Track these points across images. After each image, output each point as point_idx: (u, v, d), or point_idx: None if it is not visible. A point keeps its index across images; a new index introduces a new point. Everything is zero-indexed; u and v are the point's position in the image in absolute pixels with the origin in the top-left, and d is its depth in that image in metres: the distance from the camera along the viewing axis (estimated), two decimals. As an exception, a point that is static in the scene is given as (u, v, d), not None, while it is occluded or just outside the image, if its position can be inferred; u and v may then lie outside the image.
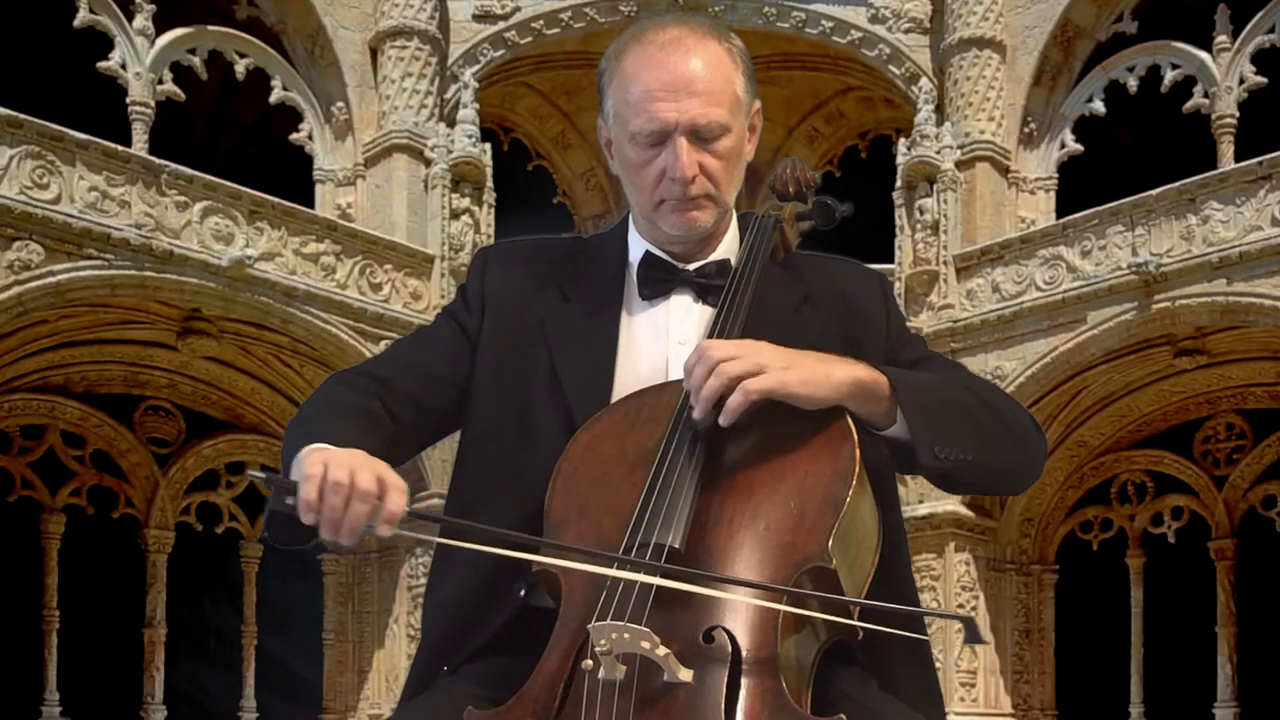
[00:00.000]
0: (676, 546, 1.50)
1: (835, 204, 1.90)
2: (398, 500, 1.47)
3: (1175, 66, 11.77)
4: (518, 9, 12.76)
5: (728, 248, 1.82)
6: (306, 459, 1.49)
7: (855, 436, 1.57)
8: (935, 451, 1.60)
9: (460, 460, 1.80)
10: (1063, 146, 12.46)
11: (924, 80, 12.60)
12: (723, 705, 1.42)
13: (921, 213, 12.02)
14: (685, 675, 1.42)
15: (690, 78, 1.67)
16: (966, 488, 1.69)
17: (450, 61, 12.52)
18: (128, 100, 10.71)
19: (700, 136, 1.68)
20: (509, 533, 1.56)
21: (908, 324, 1.96)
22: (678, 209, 1.72)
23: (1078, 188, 12.17)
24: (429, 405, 1.77)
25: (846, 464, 1.55)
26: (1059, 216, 12.03)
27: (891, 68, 12.94)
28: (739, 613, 1.48)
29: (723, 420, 1.57)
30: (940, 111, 12.41)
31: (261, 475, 1.50)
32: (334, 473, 1.45)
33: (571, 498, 1.61)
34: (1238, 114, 11.28)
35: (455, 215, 11.74)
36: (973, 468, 1.64)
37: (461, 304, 1.86)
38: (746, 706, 1.43)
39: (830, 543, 1.50)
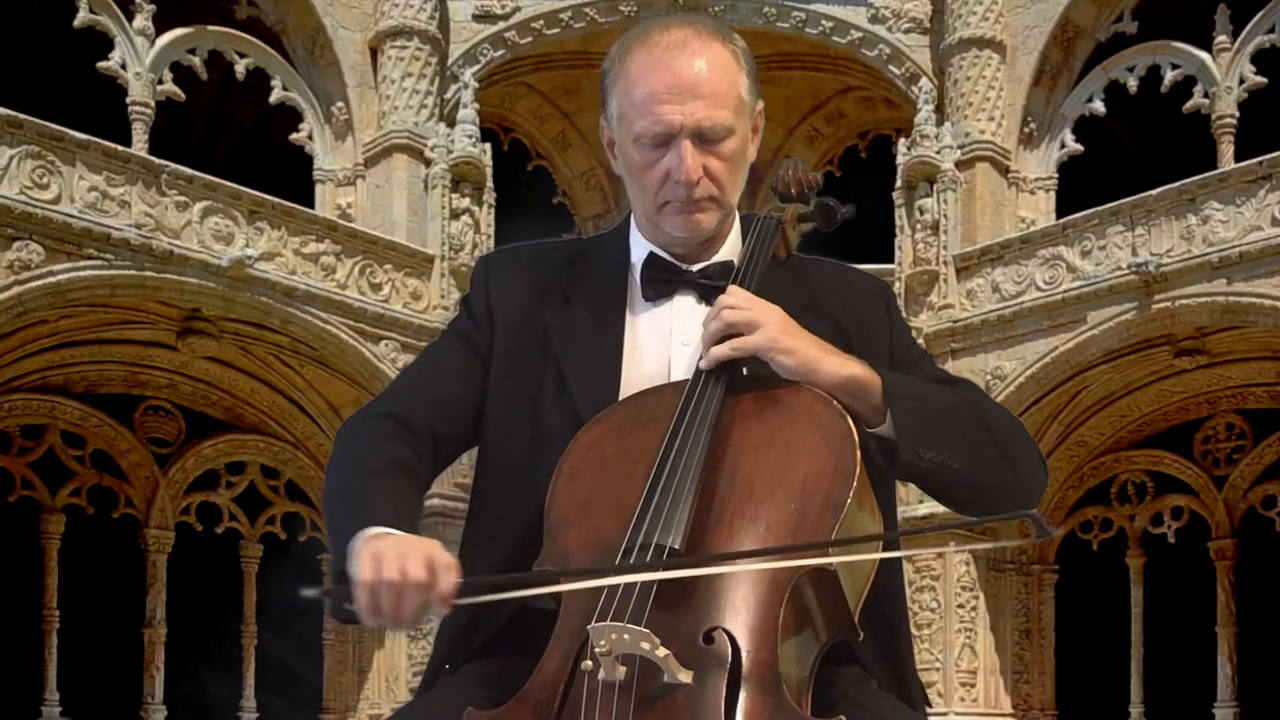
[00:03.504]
0: (677, 547, 1.49)
1: (837, 205, 1.89)
2: (449, 580, 1.48)
3: (1175, 66, 11.77)
4: (518, 9, 12.75)
5: (731, 249, 1.82)
6: (359, 556, 1.49)
7: (856, 438, 1.57)
8: (920, 452, 1.61)
9: (478, 473, 1.81)
10: (1063, 146, 12.46)
11: (924, 80, 12.59)
12: (723, 706, 1.42)
13: (921, 213, 12.02)
14: (685, 676, 1.42)
15: (695, 80, 1.67)
16: (958, 500, 1.68)
17: (450, 61, 12.51)
18: (128, 100, 10.71)
19: (705, 139, 1.68)
20: (553, 570, 1.55)
21: (912, 333, 1.95)
22: (681, 211, 1.72)
23: (1078, 188, 12.16)
24: (446, 434, 1.77)
25: (848, 465, 1.54)
26: (1059, 216, 12.02)
27: (891, 68, 12.94)
28: (739, 614, 1.47)
29: (703, 362, 1.64)
30: (940, 111, 12.40)
31: (315, 592, 1.52)
32: (386, 572, 1.46)
33: (572, 499, 1.61)
34: (1238, 114, 11.28)
35: (455, 215, 11.73)
36: (959, 475, 1.64)
37: (467, 319, 1.85)
38: (746, 708, 1.42)
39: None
